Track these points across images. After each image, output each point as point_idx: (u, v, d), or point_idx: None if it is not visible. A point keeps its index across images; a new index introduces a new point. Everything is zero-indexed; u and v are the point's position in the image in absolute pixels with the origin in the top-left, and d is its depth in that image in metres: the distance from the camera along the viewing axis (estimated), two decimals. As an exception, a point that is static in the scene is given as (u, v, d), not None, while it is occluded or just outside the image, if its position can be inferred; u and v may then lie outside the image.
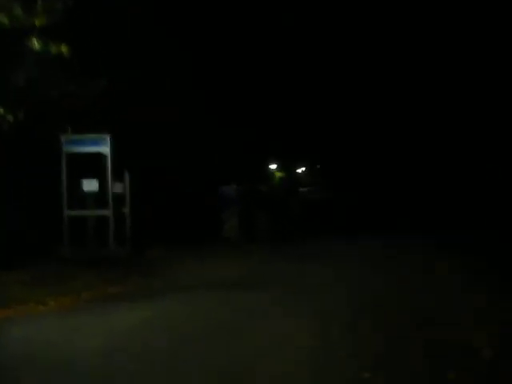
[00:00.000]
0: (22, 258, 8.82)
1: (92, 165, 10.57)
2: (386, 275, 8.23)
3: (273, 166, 31.00)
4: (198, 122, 15.16)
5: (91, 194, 10.33)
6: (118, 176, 10.86)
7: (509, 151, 17.25)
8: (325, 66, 24.78)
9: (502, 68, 15.98)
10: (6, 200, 8.89)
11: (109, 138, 10.31)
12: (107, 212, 10.26)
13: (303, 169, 35.80)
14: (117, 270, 9.12)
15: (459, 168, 20.63)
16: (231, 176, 17.41)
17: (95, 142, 10.62)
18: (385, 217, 18.78)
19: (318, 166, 33.23)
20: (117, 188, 10.73)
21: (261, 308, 6.02)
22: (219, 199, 15.14)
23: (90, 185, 10.37)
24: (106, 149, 10.40)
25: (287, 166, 33.36)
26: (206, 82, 15.67)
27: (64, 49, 7.03)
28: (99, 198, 10.34)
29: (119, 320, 5.60)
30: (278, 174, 31.32)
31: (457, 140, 20.41)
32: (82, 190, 10.34)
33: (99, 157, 10.50)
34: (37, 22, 6.73)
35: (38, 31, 6.82)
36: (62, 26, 7.16)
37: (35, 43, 6.81)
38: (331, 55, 24.23)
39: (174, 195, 13.68)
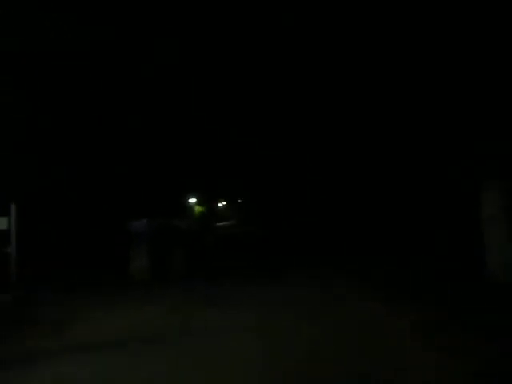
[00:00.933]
0: None
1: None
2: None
3: (192, 200, 29.97)
4: (105, 152, 13.90)
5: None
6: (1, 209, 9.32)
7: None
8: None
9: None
10: None
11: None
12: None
13: (224, 203, 35.10)
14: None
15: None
16: (145, 211, 16.12)
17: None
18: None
19: (239, 200, 32.61)
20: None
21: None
22: (129, 236, 13.71)
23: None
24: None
25: (207, 200, 32.47)
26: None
27: None
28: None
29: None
30: (198, 209, 30.28)
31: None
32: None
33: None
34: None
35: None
36: None
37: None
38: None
39: (74, 231, 12.15)
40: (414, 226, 16.11)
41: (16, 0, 11.64)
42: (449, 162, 15.01)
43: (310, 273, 13.00)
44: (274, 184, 26.85)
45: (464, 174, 13.72)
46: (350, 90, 18.59)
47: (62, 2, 12.39)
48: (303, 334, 6.76)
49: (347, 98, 19.11)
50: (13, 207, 9.53)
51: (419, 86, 16.11)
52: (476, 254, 10.39)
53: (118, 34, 13.96)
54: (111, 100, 15.47)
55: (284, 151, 26.01)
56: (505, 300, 8.35)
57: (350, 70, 17.64)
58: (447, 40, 14.50)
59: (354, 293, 9.89)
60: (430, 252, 13.52)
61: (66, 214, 12.13)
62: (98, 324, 7.96)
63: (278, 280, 12.19)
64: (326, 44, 16.73)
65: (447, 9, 14.39)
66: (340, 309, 8.38)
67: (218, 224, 26.07)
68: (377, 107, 18.08)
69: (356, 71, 17.53)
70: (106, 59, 14.53)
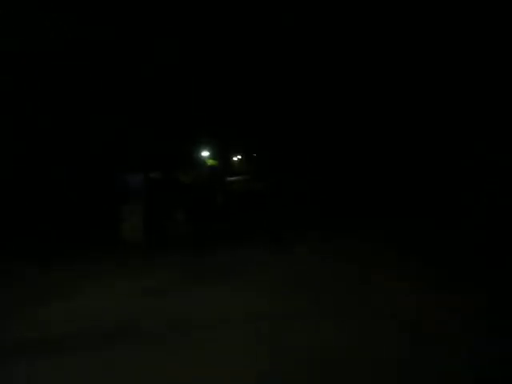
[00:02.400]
0: None
1: None
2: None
3: (204, 153, 28.17)
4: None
5: None
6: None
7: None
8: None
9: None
10: None
11: None
12: None
13: (239, 157, 33.22)
14: None
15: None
16: (146, 163, 14.38)
17: None
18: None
19: (254, 155, 30.55)
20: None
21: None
22: (121, 192, 12.06)
23: None
24: None
25: (222, 154, 30.61)
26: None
27: None
28: None
29: None
30: (211, 162, 28.50)
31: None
32: None
33: None
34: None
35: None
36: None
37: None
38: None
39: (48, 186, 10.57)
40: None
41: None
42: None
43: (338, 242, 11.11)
44: (288, 140, 24.82)
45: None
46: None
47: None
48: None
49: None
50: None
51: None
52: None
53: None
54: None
55: (301, 111, 23.97)
56: None
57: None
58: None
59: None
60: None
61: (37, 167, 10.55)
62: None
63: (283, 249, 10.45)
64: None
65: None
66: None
67: (230, 178, 24.14)
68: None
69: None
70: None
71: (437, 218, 12.08)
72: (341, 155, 21.97)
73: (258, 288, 7.01)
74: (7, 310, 6.30)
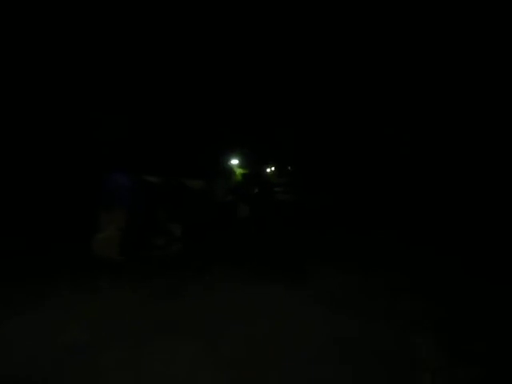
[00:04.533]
0: None
1: None
2: None
3: (234, 162, 25.80)
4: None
5: None
6: None
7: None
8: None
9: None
10: None
11: None
12: None
13: (272, 168, 30.61)
14: None
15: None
16: (149, 164, 12.12)
17: None
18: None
19: (289, 168, 27.93)
20: None
21: None
22: (105, 194, 9.69)
23: None
24: None
25: (254, 163, 28.20)
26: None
27: None
28: None
29: None
30: (240, 171, 26.07)
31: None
32: None
33: None
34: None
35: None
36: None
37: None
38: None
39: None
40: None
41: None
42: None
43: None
44: (322, 155, 22.43)
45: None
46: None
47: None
48: None
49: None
50: None
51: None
52: None
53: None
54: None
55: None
56: None
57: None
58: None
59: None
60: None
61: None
62: None
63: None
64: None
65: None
66: None
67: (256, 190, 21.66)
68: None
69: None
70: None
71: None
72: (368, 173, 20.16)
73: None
74: None
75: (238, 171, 25.39)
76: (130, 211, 9.57)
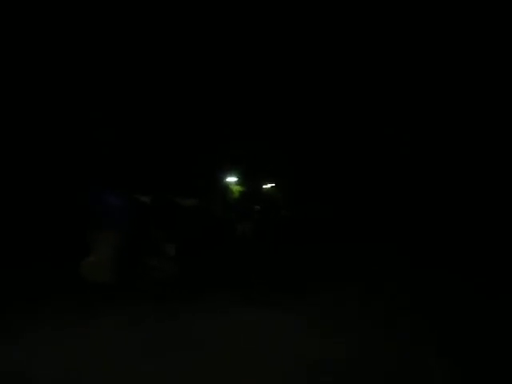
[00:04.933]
0: None
1: None
2: None
3: (230, 179, 25.49)
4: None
5: None
6: None
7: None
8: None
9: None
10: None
11: None
12: None
13: (271, 184, 30.29)
14: None
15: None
16: (140, 181, 11.82)
17: None
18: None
19: (283, 183, 27.57)
20: None
21: None
22: (94, 213, 9.33)
23: None
24: None
25: (251, 180, 27.90)
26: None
27: None
28: None
29: None
30: (237, 189, 25.78)
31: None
32: None
33: None
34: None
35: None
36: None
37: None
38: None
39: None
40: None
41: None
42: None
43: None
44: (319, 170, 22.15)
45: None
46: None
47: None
48: None
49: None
50: None
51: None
52: None
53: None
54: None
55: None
56: None
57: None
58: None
59: None
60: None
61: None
62: None
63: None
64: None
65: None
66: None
67: (257, 207, 21.32)
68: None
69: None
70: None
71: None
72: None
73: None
74: None
75: (236, 188, 25.07)
76: (121, 231, 9.21)
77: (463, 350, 5.56)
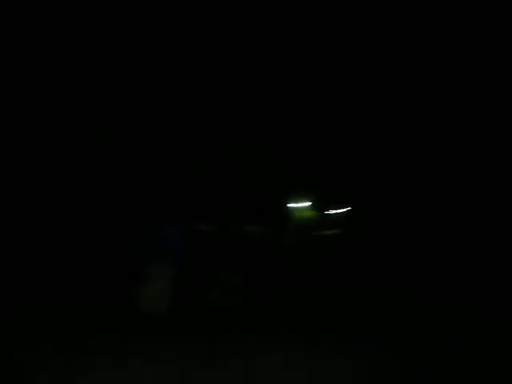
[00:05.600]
0: None
1: None
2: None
3: (299, 204, 24.88)
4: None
5: None
6: None
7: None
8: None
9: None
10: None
11: None
12: None
13: (343, 209, 29.21)
14: None
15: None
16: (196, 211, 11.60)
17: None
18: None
19: (351, 208, 26.37)
20: None
21: None
22: (150, 245, 9.24)
23: None
24: None
25: (321, 206, 27.15)
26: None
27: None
28: None
29: None
30: (306, 214, 25.10)
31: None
32: None
33: None
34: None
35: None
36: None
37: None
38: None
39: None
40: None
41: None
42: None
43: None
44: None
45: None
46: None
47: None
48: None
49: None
50: None
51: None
52: None
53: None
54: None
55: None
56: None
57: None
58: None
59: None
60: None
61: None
62: None
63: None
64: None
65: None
66: None
67: (322, 232, 20.50)
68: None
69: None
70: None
71: None
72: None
73: None
74: None
75: (306, 214, 24.45)
76: (179, 263, 9.04)
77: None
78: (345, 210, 29.27)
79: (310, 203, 25.43)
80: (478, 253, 12.77)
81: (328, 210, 27.53)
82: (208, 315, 8.60)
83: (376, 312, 8.88)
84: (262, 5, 12.45)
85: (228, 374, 5.93)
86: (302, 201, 24.85)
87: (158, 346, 6.88)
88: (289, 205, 23.08)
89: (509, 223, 13.79)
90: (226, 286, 9.54)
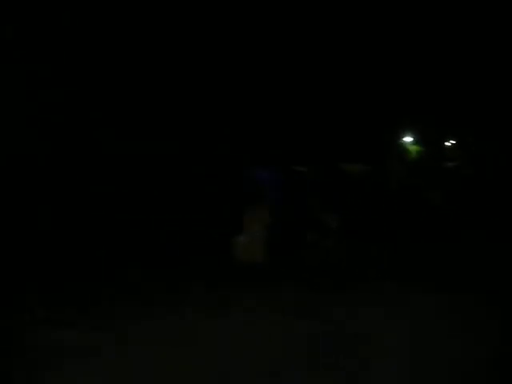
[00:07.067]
0: None
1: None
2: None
3: (406, 139, 23.04)
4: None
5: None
6: None
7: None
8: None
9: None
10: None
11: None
12: None
13: (453, 142, 26.60)
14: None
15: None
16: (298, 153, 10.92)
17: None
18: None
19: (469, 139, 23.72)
20: None
21: None
22: (247, 191, 8.77)
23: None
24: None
25: (430, 139, 24.96)
26: None
27: None
28: None
29: None
30: (414, 149, 23.18)
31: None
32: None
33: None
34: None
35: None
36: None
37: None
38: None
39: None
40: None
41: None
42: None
43: None
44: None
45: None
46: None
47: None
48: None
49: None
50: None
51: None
52: None
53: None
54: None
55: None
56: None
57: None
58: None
59: None
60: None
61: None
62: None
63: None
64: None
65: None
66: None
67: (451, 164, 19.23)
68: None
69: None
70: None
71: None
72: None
73: None
74: None
75: (413, 148, 22.69)
76: (276, 207, 8.50)
77: None
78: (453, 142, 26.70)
79: (414, 137, 23.51)
80: None
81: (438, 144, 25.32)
82: (302, 266, 8.03)
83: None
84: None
85: (327, 326, 5.38)
86: (405, 135, 23.03)
87: (248, 294, 6.54)
88: (393, 140, 21.49)
89: None
90: (323, 228, 8.80)
